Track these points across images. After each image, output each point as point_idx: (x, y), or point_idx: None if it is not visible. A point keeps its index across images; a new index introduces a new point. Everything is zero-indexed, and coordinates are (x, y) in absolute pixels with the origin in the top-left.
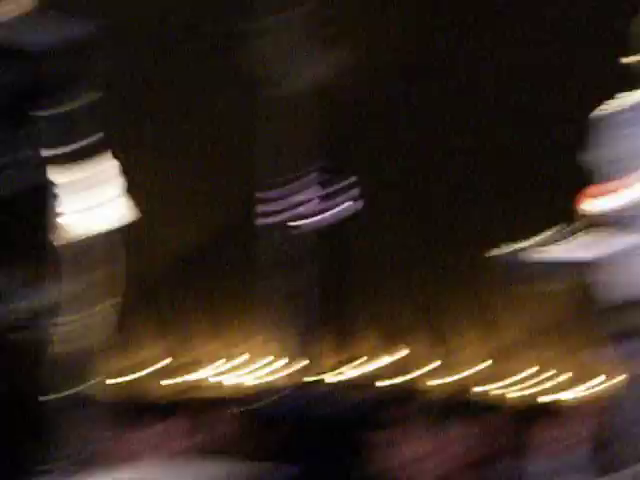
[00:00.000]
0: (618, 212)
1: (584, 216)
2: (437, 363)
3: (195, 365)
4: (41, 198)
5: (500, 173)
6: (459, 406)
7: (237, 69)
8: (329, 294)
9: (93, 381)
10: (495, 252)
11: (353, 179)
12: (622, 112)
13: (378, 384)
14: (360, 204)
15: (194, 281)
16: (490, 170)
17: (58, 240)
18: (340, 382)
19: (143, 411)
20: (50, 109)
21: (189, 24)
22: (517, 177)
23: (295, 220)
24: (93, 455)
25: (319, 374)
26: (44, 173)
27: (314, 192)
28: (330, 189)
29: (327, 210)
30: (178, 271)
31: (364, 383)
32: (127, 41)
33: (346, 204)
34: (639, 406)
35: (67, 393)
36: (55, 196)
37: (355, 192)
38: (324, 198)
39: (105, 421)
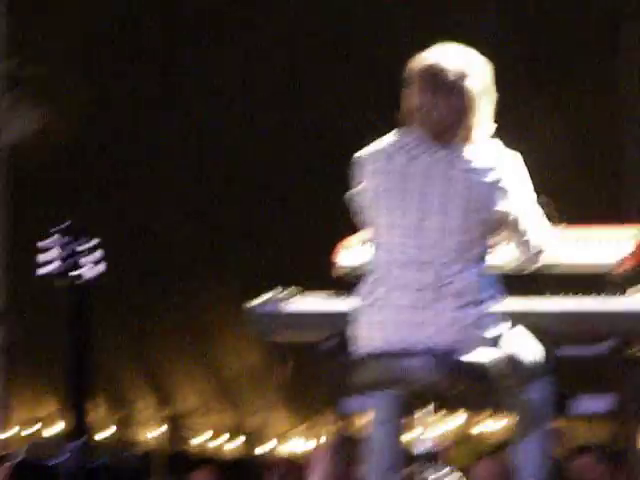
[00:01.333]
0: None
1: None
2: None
3: None
4: None
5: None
6: None
7: None
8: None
9: None
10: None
11: (95, 241)
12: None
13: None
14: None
15: None
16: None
17: None
18: None
19: None
20: None
21: None
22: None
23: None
24: None
25: None
26: None
27: (57, 253)
28: (73, 250)
29: (69, 271)
30: None
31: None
32: None
33: (89, 267)
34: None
35: None
36: None
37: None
38: (66, 259)
39: None
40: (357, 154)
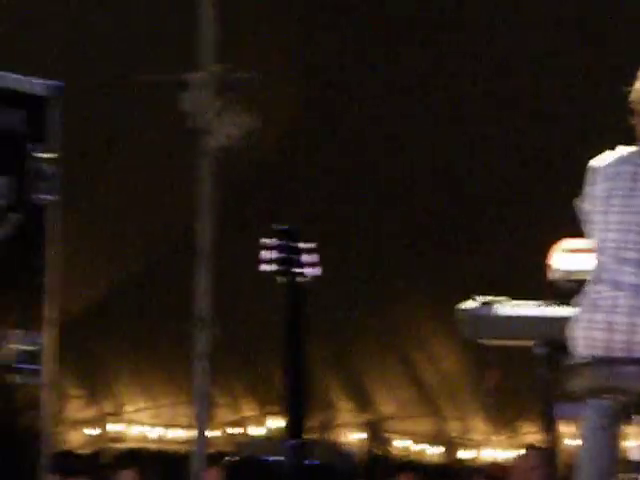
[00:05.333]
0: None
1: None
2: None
3: (116, 415)
4: (39, 240)
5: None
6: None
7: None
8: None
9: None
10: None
11: (312, 244)
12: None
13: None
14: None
15: (120, 327)
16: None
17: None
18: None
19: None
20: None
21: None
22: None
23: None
24: None
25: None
26: (41, 215)
27: (276, 252)
28: (293, 250)
29: (285, 274)
30: (103, 316)
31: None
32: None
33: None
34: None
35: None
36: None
37: (314, 258)
38: (286, 258)
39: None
40: (592, 161)
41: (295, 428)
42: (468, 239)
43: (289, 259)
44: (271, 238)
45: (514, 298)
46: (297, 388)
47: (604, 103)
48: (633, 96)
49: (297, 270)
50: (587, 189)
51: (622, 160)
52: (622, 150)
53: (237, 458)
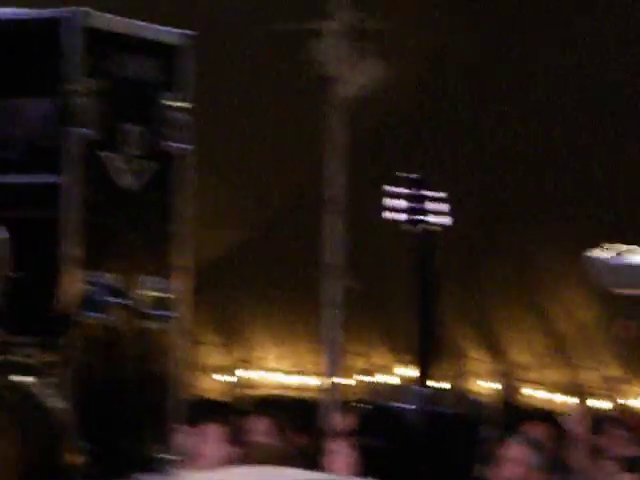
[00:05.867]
0: None
1: None
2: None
3: (248, 362)
4: (172, 188)
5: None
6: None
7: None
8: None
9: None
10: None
11: (442, 194)
12: None
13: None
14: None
15: (252, 275)
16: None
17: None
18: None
19: (200, 408)
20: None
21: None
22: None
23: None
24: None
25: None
26: (174, 164)
27: (404, 200)
28: (420, 198)
29: (416, 217)
30: (235, 264)
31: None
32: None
33: (433, 217)
34: None
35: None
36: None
37: (444, 206)
38: (414, 206)
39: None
40: None
41: (426, 376)
42: (603, 188)
43: (417, 208)
44: (399, 187)
45: None
46: (429, 337)
47: None
48: None
49: (425, 218)
50: None
51: None
52: None
53: (368, 405)
